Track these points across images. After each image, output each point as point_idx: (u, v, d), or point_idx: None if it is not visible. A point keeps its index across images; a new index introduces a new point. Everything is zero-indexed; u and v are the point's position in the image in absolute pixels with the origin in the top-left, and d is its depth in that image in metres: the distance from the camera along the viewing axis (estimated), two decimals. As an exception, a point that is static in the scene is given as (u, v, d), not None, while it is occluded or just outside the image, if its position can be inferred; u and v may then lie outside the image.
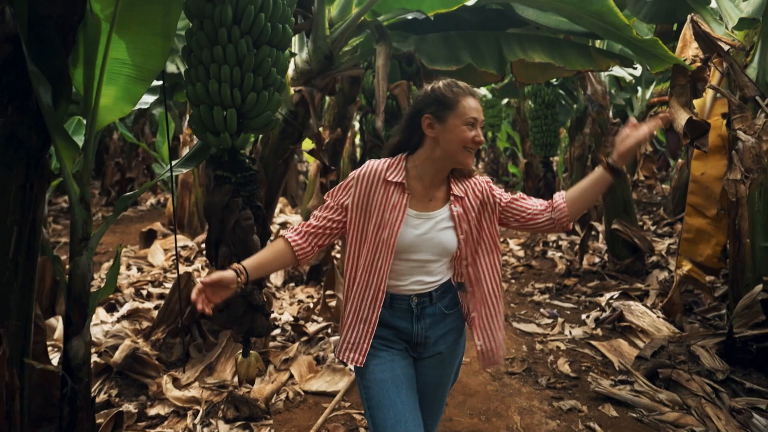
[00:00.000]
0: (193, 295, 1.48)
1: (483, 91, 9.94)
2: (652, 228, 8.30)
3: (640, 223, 8.85)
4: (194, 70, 1.94)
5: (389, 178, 1.67)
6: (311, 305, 4.81)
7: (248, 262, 1.62)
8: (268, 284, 5.13)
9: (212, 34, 1.91)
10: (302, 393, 3.28)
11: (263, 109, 1.98)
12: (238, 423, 2.92)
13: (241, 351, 2.20)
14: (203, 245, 6.94)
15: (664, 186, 12.03)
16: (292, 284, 5.63)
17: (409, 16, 3.59)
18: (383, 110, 3.28)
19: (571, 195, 1.71)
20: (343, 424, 2.95)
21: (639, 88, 9.75)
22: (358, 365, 1.68)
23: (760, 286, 3.49)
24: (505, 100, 12.18)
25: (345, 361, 1.71)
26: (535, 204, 1.75)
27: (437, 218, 1.69)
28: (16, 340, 1.84)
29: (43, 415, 2.28)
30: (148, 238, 6.78)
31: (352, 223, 1.70)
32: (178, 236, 7.25)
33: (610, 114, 5.96)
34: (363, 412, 1.81)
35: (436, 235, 1.68)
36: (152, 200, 11.71)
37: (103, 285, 2.13)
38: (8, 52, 1.67)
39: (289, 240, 1.68)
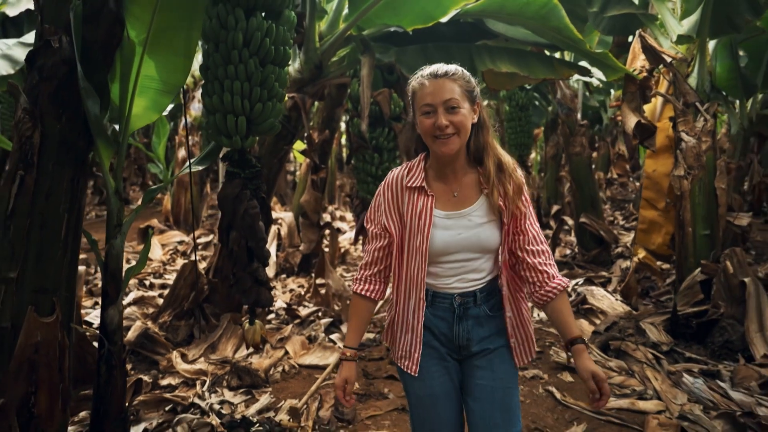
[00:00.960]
0: (340, 395, 1.66)
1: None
2: (622, 222, 8.82)
3: (612, 219, 9.39)
4: (211, 84, 2.35)
5: (408, 184, 1.64)
6: (302, 293, 5.22)
7: (352, 338, 1.71)
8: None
9: (226, 55, 2.32)
10: (297, 366, 3.69)
11: (268, 116, 2.39)
12: (241, 390, 3.32)
13: (247, 319, 2.60)
14: (199, 240, 7.32)
15: (637, 183, 12.61)
16: (284, 275, 6.03)
17: (391, 29, 4.01)
18: (368, 114, 3.70)
19: (556, 305, 1.63)
20: (333, 389, 3.37)
21: (612, 91, 10.30)
22: (413, 374, 1.68)
23: (699, 270, 3.97)
24: (485, 102, 12.66)
25: (402, 368, 1.72)
26: (537, 258, 1.63)
27: (470, 214, 1.62)
28: (65, 307, 2.23)
29: (77, 376, 2.66)
30: (145, 234, 7.13)
31: (393, 233, 1.67)
32: (174, 232, 7.61)
33: (579, 116, 6.44)
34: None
35: (473, 233, 1.61)
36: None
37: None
38: (64, 72, 2.07)
39: (363, 293, 1.71)
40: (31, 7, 4.20)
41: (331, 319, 4.42)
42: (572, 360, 1.58)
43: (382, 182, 1.71)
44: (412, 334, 1.68)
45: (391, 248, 1.69)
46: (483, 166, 1.63)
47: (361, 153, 3.83)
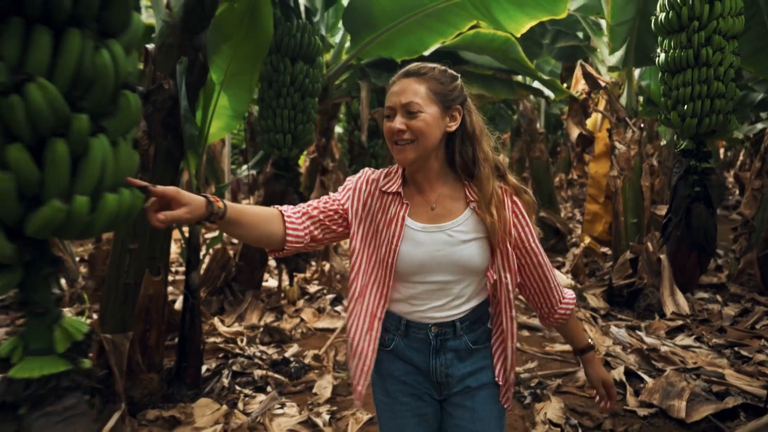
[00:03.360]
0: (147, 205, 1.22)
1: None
2: (579, 218, 9.95)
3: (571, 214, 10.53)
4: (265, 111, 3.28)
5: (383, 188, 1.47)
6: (307, 276, 6.14)
7: (231, 203, 1.36)
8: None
9: (277, 91, 3.26)
10: (312, 329, 4.62)
11: (307, 134, 3.33)
12: (272, 344, 4.23)
13: (287, 282, 3.53)
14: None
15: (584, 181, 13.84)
16: (287, 264, 6.93)
17: (384, 56, 4.97)
18: (366, 128, 4.66)
19: (569, 324, 1.56)
20: (344, 342, 4.31)
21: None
22: (355, 407, 1.57)
23: (628, 251, 5.04)
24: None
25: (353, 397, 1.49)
26: (546, 283, 1.49)
27: (452, 229, 1.41)
28: (164, 270, 3.13)
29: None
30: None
31: (353, 235, 1.48)
32: (182, 229, 8.39)
33: (538, 125, 7.50)
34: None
35: (453, 251, 1.39)
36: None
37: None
38: (170, 104, 2.97)
39: (283, 212, 1.42)
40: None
41: (334, 295, 5.34)
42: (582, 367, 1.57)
43: (355, 175, 1.55)
44: (359, 360, 1.47)
45: (336, 224, 1.48)
46: (474, 180, 1.43)
47: (360, 159, 4.78)
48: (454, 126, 1.43)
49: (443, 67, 1.44)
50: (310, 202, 1.49)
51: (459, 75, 1.48)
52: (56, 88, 0.76)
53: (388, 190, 1.47)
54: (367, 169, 1.54)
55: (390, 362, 1.51)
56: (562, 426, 2.94)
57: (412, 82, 1.38)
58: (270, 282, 5.73)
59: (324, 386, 3.47)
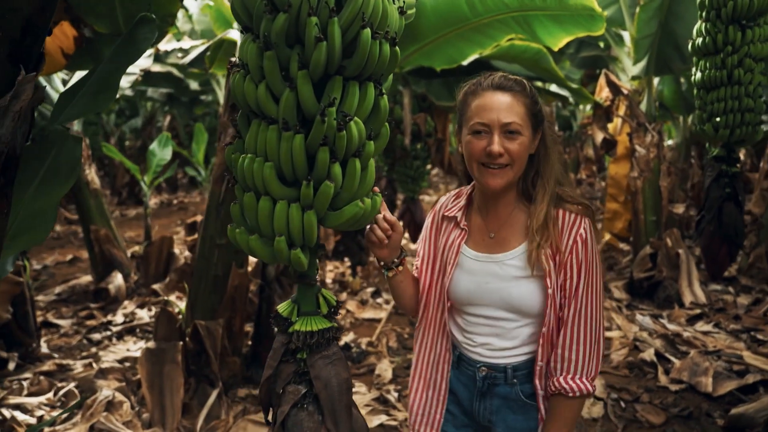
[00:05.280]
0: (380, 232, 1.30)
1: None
2: (591, 216, 10.36)
3: (582, 213, 10.93)
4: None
5: (445, 213, 1.44)
6: (343, 272, 6.51)
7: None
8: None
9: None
10: (360, 318, 4.98)
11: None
12: (327, 332, 4.60)
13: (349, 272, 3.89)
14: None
15: (602, 183, 14.26)
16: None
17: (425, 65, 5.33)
18: (409, 132, 5.02)
19: (553, 403, 1.35)
20: (392, 331, 4.69)
21: (580, 105, 11.88)
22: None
23: (648, 246, 5.42)
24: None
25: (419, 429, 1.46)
26: (565, 347, 1.31)
27: (505, 262, 1.33)
28: (241, 261, 3.50)
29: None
30: (191, 228, 8.28)
31: (422, 269, 1.48)
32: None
33: (556, 128, 7.88)
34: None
35: (503, 286, 1.31)
36: (156, 200, 13.03)
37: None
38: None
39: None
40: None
41: (374, 288, 5.71)
42: None
43: (432, 206, 1.51)
44: (432, 391, 1.43)
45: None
46: (533, 205, 1.31)
47: (403, 160, 5.14)
48: (534, 148, 1.34)
49: (529, 82, 1.35)
50: (416, 265, 1.54)
51: None
52: (362, 124, 1.14)
53: (449, 215, 1.43)
54: (443, 197, 1.52)
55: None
56: (605, 399, 3.32)
57: (510, 97, 1.28)
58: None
59: (385, 369, 3.84)
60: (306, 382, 1.25)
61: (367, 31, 1.07)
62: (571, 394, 1.30)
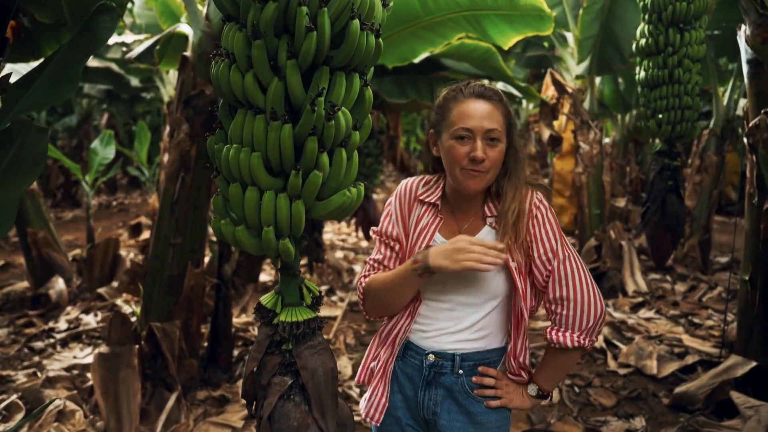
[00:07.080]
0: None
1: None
2: (535, 211, 10.72)
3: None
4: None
5: (422, 197, 1.44)
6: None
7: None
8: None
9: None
10: (316, 316, 4.95)
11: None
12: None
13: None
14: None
15: (545, 180, 14.77)
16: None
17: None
18: (363, 130, 5.05)
19: (551, 359, 1.41)
20: (348, 328, 4.69)
21: (524, 102, 12.24)
22: (375, 423, 1.45)
23: (593, 239, 5.66)
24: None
25: (367, 419, 1.45)
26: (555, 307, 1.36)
27: None
28: (202, 262, 3.42)
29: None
30: (135, 229, 7.97)
31: (405, 251, 1.46)
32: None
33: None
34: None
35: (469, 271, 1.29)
36: (94, 201, 12.45)
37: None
38: (209, 109, 3.25)
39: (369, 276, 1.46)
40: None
41: (328, 286, 5.69)
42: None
43: (394, 192, 1.52)
44: (379, 380, 1.45)
45: (395, 260, 1.47)
46: (503, 203, 1.36)
47: (356, 158, 5.16)
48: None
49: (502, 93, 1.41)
50: (384, 255, 1.47)
51: None
52: (349, 114, 1.15)
53: (426, 200, 1.45)
54: (405, 180, 1.52)
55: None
56: (560, 385, 3.46)
57: (489, 106, 1.33)
58: (262, 277, 5.99)
59: (344, 365, 3.84)
60: (292, 373, 1.25)
61: (356, 22, 1.08)
62: (561, 346, 1.35)
